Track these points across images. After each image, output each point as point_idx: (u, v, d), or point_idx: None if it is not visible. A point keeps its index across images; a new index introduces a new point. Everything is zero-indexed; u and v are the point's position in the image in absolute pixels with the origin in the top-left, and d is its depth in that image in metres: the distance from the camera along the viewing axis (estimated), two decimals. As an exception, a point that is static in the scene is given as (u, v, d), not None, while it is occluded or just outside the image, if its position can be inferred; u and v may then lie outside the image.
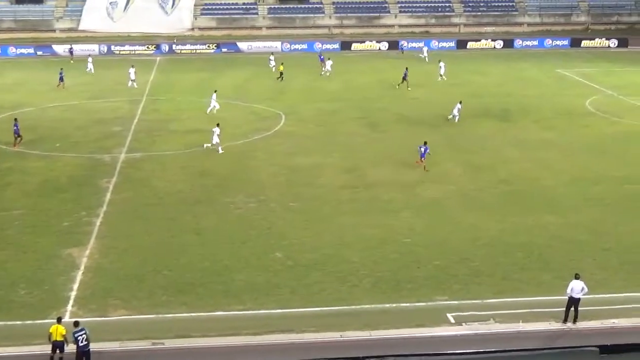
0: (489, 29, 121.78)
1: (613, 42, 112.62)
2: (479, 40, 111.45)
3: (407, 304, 32.83)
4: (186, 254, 37.51)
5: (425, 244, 38.91)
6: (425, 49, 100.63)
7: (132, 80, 79.38)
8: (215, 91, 68.89)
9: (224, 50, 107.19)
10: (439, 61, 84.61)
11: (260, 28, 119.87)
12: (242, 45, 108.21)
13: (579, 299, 30.80)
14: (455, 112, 63.90)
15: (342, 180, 49.15)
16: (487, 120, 65.51)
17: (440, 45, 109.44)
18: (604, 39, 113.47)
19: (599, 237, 39.96)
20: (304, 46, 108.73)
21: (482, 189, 47.50)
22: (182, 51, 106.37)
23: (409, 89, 77.11)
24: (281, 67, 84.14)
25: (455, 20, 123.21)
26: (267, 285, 34.36)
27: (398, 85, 78.25)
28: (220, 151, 54.64)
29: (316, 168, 51.67)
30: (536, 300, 33.07)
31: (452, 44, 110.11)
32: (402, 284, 34.53)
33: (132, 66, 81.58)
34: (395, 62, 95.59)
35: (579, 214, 43.33)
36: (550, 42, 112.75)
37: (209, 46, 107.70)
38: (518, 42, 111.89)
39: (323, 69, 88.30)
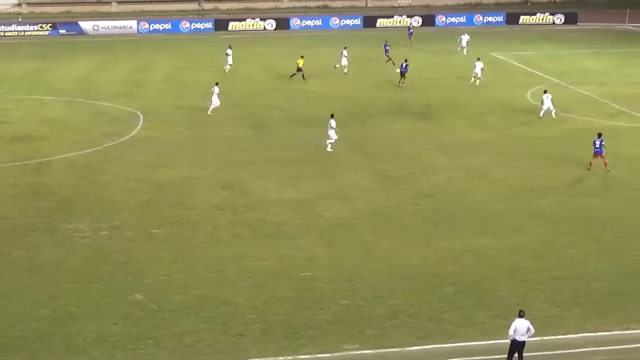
0: (403, 2, 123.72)
1: (559, 19, 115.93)
2: (392, 17, 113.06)
3: (308, 356, 32.88)
4: (17, 299, 36.85)
5: (329, 278, 39.08)
6: (464, 37, 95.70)
7: None
8: (217, 83, 68.55)
9: (62, 32, 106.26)
10: (478, 59, 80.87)
11: (108, 3, 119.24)
12: (86, 26, 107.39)
13: (524, 342, 31.34)
14: (549, 104, 64.95)
15: (219, 198, 49.15)
16: (402, 118, 66.48)
17: (342, 24, 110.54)
18: (547, 14, 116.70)
19: (547, 263, 40.75)
20: (167, 26, 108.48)
21: (399, 206, 48.04)
22: (6, 34, 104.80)
23: (400, 84, 77.67)
24: (300, 62, 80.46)
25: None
26: (124, 336, 34.00)
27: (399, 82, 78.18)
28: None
29: (186, 183, 51.55)
30: (471, 345, 33.49)
31: (358, 21, 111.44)
32: (300, 330, 34.63)
33: None
34: (287, 46, 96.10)
35: (521, 235, 44.18)
36: (481, 18, 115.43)
37: (41, 27, 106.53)
38: (441, 19, 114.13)
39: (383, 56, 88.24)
